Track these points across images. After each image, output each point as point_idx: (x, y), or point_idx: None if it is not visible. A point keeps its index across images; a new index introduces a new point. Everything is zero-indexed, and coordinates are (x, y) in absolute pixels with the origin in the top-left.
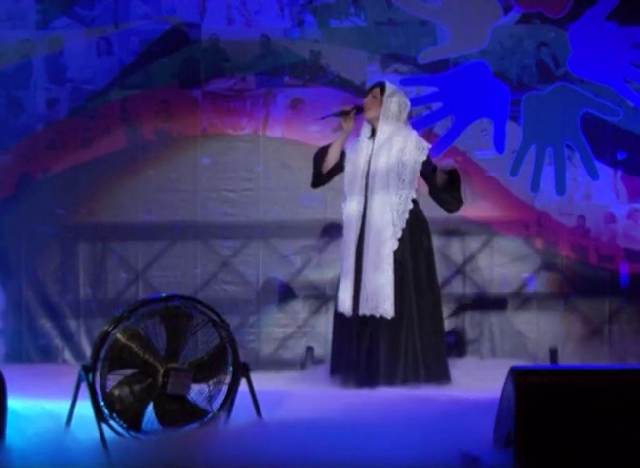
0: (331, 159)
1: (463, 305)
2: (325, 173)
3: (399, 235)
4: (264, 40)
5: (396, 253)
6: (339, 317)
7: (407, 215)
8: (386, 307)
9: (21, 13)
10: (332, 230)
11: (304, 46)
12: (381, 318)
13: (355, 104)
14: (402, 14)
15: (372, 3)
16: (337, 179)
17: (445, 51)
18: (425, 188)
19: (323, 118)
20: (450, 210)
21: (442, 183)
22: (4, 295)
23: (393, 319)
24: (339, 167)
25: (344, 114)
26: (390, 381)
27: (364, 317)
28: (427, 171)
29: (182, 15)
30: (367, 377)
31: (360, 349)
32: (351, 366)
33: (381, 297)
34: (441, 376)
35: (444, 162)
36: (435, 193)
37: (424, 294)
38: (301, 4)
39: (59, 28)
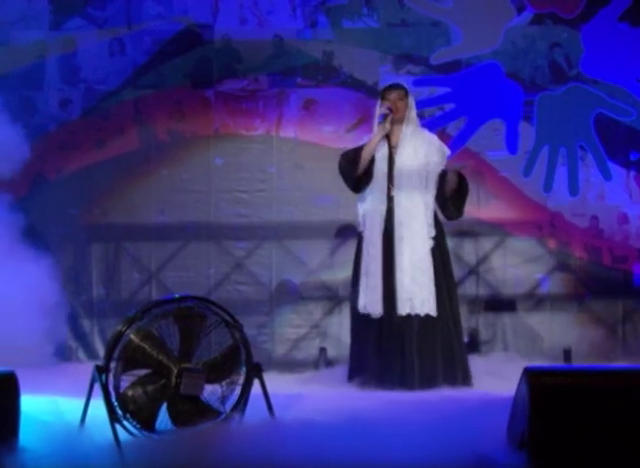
0: (366, 161)
1: (477, 307)
2: (361, 175)
3: (433, 234)
4: (277, 40)
5: (432, 250)
6: (362, 318)
7: (433, 213)
8: (431, 305)
9: (35, 14)
10: (345, 231)
11: (317, 46)
12: (425, 316)
13: (388, 107)
14: (414, 14)
15: (384, 4)
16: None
17: (458, 51)
18: None
19: (379, 119)
20: (449, 217)
21: (450, 190)
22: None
23: (434, 318)
24: (371, 168)
25: (385, 117)
26: (431, 382)
27: (400, 317)
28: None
29: (195, 15)
30: (400, 379)
31: (394, 349)
32: (380, 366)
33: (425, 296)
34: (467, 376)
35: (452, 167)
36: (440, 198)
37: (452, 294)
38: (314, 5)
39: (72, 29)
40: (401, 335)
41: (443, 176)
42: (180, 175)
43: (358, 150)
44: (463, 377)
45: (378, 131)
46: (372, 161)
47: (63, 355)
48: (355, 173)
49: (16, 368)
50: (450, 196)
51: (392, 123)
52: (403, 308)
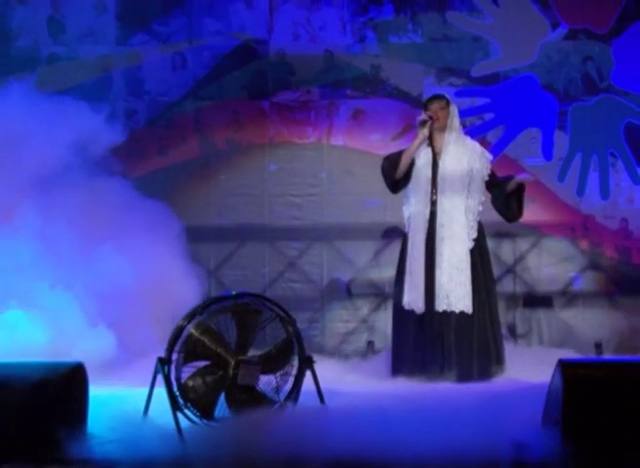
0: (405, 165)
1: (514, 303)
2: (400, 178)
3: (474, 236)
4: (328, 55)
5: (470, 250)
6: (405, 314)
7: (478, 219)
8: (466, 303)
9: (102, 29)
10: (391, 233)
11: (365, 60)
12: (461, 313)
13: (429, 115)
14: (456, 30)
15: (428, 20)
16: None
17: (496, 64)
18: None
19: (415, 124)
20: (509, 218)
21: (510, 191)
22: None
23: (470, 314)
24: (410, 172)
25: (423, 123)
26: (466, 374)
27: (439, 313)
28: (493, 181)
29: (252, 31)
30: (440, 370)
31: (434, 343)
32: (421, 359)
33: (461, 294)
34: (501, 368)
35: (522, 175)
36: (499, 201)
37: (490, 291)
38: (363, 21)
39: (137, 44)
40: (440, 330)
41: (504, 182)
42: (237, 180)
43: (399, 154)
44: (498, 369)
45: (417, 136)
46: (411, 165)
47: None
48: (394, 175)
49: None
50: (509, 197)
51: (435, 131)
52: (441, 305)
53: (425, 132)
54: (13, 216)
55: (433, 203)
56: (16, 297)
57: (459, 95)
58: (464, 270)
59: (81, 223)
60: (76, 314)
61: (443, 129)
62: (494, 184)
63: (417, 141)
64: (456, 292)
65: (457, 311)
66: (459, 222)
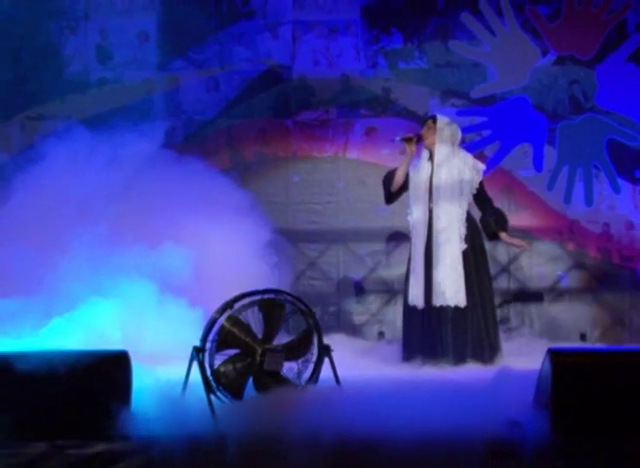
0: (399, 180)
1: (508, 298)
2: (395, 192)
3: (465, 238)
4: (344, 79)
5: (463, 252)
6: (410, 309)
7: (466, 223)
8: (460, 297)
9: (144, 56)
10: (398, 236)
11: (377, 84)
12: (455, 307)
13: (416, 133)
14: (457, 57)
15: (432, 48)
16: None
17: (493, 87)
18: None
19: (393, 140)
20: (488, 239)
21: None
22: None
23: (463, 308)
24: (405, 185)
25: (408, 140)
26: (461, 359)
27: (437, 307)
28: (479, 196)
29: (277, 58)
30: (440, 356)
31: (433, 334)
32: (425, 347)
33: (455, 290)
34: (495, 354)
35: (516, 241)
36: (485, 227)
37: (484, 287)
38: (375, 49)
39: (175, 70)
40: (438, 322)
41: (487, 202)
42: (263, 189)
43: (394, 171)
44: (491, 356)
45: (406, 153)
46: (407, 178)
47: None
48: (390, 188)
49: None
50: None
51: (430, 146)
52: (437, 300)
53: (413, 148)
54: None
55: (430, 211)
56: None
57: (459, 114)
58: (458, 270)
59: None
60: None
61: (434, 144)
62: (480, 199)
63: (406, 158)
64: (450, 289)
65: (452, 305)
66: (452, 228)
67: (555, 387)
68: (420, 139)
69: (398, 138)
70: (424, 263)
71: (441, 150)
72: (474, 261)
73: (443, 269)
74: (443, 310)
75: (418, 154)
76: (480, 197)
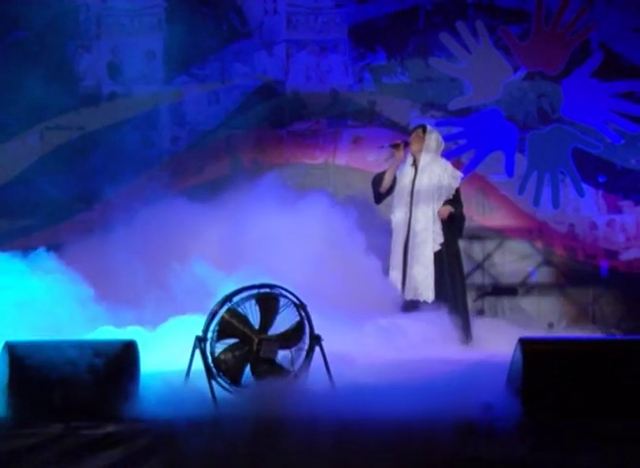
0: (387, 182)
1: (483, 292)
2: (383, 192)
3: (440, 241)
4: (333, 92)
5: (436, 252)
6: None
7: (441, 224)
8: (429, 294)
9: (151, 72)
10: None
11: (363, 97)
12: (424, 301)
13: (403, 140)
14: (436, 72)
15: (414, 64)
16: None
17: (469, 100)
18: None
19: (381, 147)
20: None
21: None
22: None
23: (431, 303)
24: (392, 187)
25: (396, 146)
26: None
27: (411, 300)
28: (453, 199)
29: (272, 74)
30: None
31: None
32: None
33: (425, 286)
34: (466, 343)
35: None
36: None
37: (456, 284)
38: (361, 65)
39: (179, 84)
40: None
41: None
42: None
43: (384, 173)
44: (466, 344)
45: (395, 157)
46: (394, 180)
47: None
48: (379, 189)
49: None
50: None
51: (416, 153)
52: (409, 294)
53: (400, 154)
54: None
55: (410, 213)
56: None
57: (438, 124)
58: (429, 268)
59: None
60: None
61: (420, 151)
62: (453, 204)
63: (395, 162)
64: (422, 285)
65: (421, 299)
66: (428, 230)
67: (526, 373)
68: (406, 146)
69: (387, 145)
70: (402, 261)
71: (425, 157)
72: (447, 260)
73: (417, 267)
74: (414, 303)
75: (404, 159)
76: (454, 203)
